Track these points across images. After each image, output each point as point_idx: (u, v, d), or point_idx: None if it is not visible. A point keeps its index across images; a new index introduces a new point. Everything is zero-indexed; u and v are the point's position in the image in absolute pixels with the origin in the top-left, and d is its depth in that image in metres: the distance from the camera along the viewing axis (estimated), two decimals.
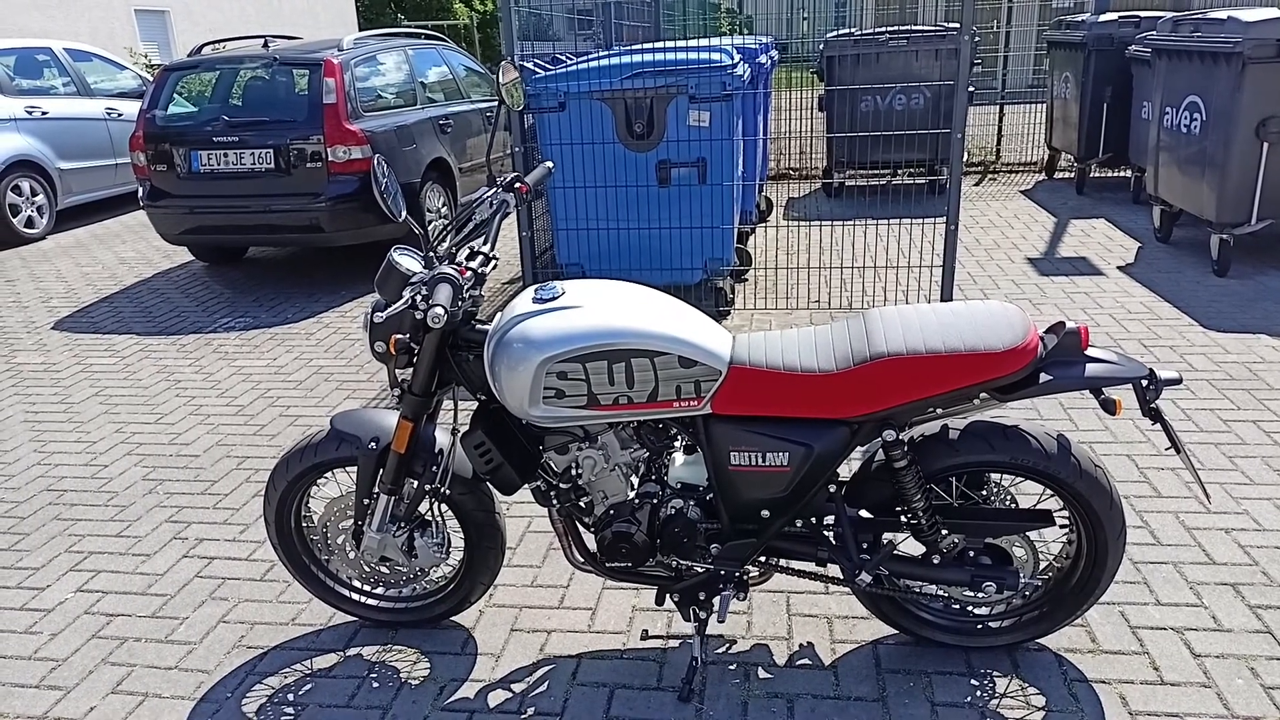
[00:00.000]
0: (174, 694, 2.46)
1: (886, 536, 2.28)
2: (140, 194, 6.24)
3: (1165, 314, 4.87)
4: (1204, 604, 2.55)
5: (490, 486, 2.45)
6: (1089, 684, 2.28)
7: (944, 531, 2.19)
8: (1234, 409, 3.70)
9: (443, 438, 2.40)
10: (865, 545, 2.23)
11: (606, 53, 4.97)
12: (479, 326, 2.25)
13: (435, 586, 2.63)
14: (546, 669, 2.47)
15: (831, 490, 2.20)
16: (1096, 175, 8.29)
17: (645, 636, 2.56)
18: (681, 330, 2.08)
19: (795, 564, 2.66)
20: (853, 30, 8.14)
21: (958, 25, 7.96)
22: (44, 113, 8.40)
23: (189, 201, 6.07)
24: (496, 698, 2.37)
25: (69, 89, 8.89)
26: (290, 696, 2.42)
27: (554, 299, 2.15)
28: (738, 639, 2.53)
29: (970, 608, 2.40)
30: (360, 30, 14.93)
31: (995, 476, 2.29)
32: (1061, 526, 2.27)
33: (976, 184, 8.72)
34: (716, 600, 2.30)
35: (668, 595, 2.35)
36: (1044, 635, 2.36)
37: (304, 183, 5.92)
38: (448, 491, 2.37)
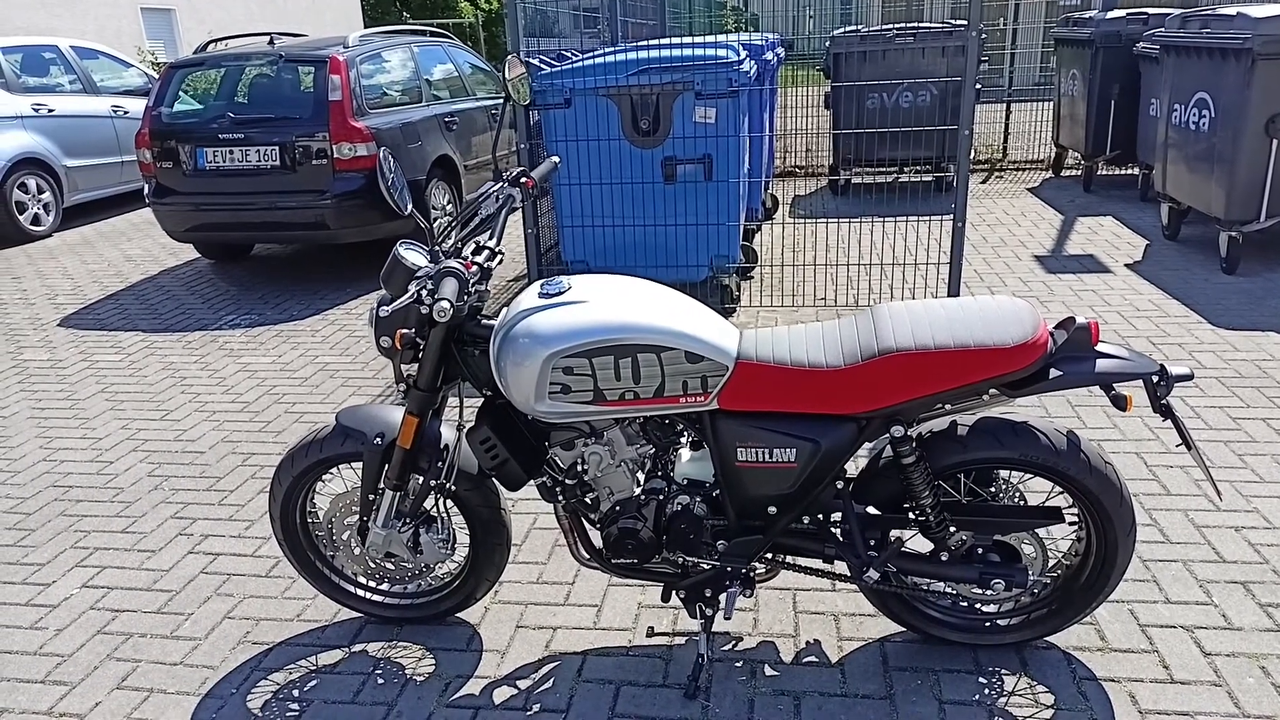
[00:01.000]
0: (179, 689, 2.45)
1: (894, 533, 2.26)
2: (146, 191, 6.24)
3: (1174, 311, 4.84)
4: (1214, 602, 2.53)
5: (496, 482, 2.45)
6: (1098, 682, 2.27)
7: (952, 528, 2.17)
8: (1244, 406, 3.68)
9: (448, 433, 2.39)
10: (873, 542, 2.22)
11: (612, 49, 4.96)
12: (485, 321, 2.24)
13: (440, 583, 2.62)
14: (552, 666, 2.46)
15: (839, 486, 2.18)
16: (1104, 173, 8.26)
17: (651, 633, 2.55)
18: (688, 325, 2.07)
19: (802, 561, 2.65)
20: (859, 27, 8.12)
21: (965, 22, 7.94)
22: (50, 110, 8.41)
23: (194, 199, 6.08)
24: (502, 694, 2.36)
25: (75, 86, 8.90)
26: (295, 693, 2.42)
27: (560, 294, 2.14)
28: (744, 636, 2.51)
29: (978, 605, 2.38)
30: (365, 28, 14.97)
31: (1003, 473, 2.27)
32: (1070, 524, 2.25)
33: (983, 181, 8.69)
34: (723, 597, 2.29)
35: (674, 592, 2.34)
36: (1053, 633, 2.35)
37: (309, 180, 5.92)
38: (453, 487, 2.36)
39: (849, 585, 2.69)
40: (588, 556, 2.40)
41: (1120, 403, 1.96)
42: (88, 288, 6.51)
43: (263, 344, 5.19)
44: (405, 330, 2.12)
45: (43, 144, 8.26)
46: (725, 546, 2.24)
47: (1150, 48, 6.91)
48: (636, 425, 2.24)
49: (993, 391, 2.04)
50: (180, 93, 6.25)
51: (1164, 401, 1.99)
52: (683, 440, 2.29)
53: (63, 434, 4.11)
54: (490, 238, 2.27)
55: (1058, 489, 2.21)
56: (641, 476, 2.31)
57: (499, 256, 2.24)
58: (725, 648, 2.48)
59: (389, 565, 2.56)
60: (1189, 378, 2.00)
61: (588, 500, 2.30)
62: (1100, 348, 2.02)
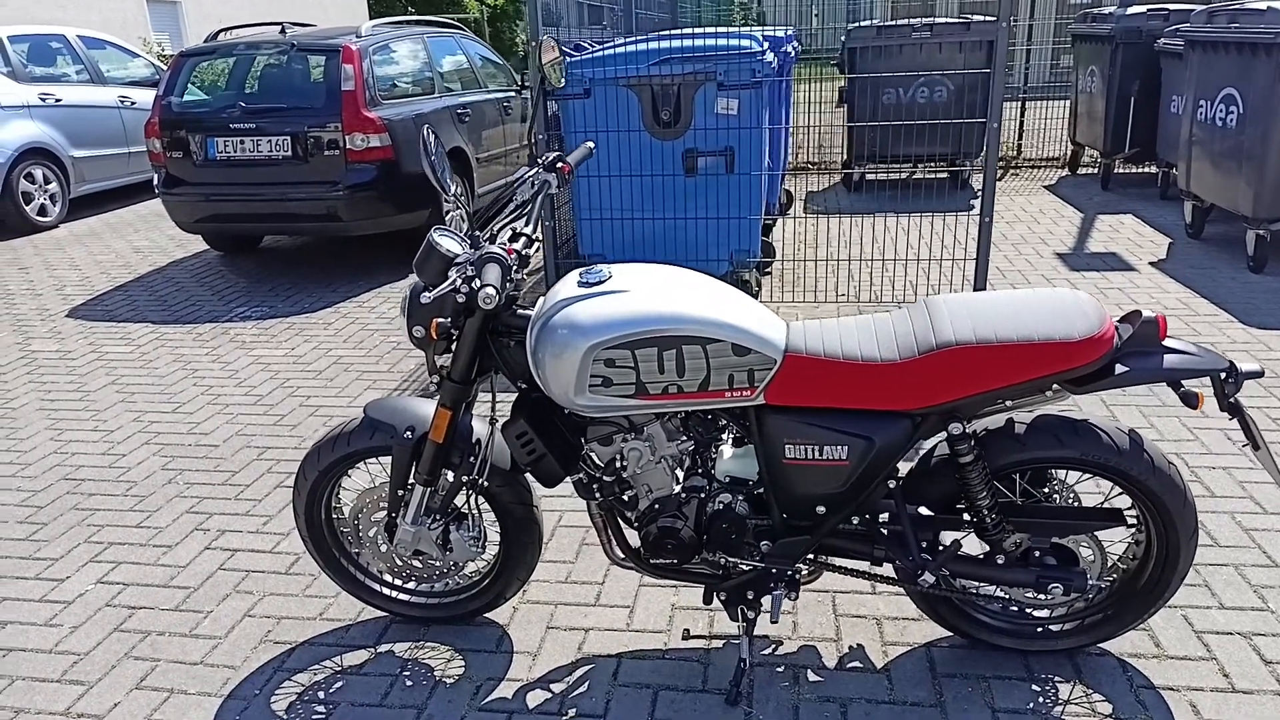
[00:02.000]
0: (200, 690, 2.37)
1: (948, 535, 2.18)
2: (155, 181, 6.15)
3: (1203, 310, 4.76)
4: (1269, 608, 2.45)
5: (528, 479, 2.37)
6: (1156, 690, 2.19)
7: (1009, 530, 2.09)
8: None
9: (480, 428, 2.31)
10: (924, 544, 2.13)
11: (632, 39, 4.87)
12: (520, 311, 2.15)
13: (469, 582, 2.54)
14: (586, 669, 2.38)
15: (890, 486, 2.10)
16: (1121, 171, 8.16)
17: (687, 636, 2.47)
18: (735, 317, 1.98)
19: (845, 563, 2.56)
20: (875, 21, 8.02)
21: (981, 16, 7.85)
22: (57, 100, 8.32)
23: (205, 189, 5.99)
24: (536, 698, 2.28)
25: (82, 76, 8.81)
26: (321, 694, 2.34)
27: (600, 283, 2.06)
28: (784, 640, 2.43)
29: (1030, 610, 2.30)
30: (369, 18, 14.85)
31: (1058, 474, 2.19)
32: (1129, 526, 2.17)
33: (1000, 178, 8.57)
34: (766, 600, 2.21)
35: (714, 594, 2.25)
36: (1108, 639, 2.26)
37: (321, 171, 5.83)
38: (486, 483, 2.28)
39: (890, 588, 2.61)
40: (622, 556, 2.32)
41: (1191, 400, 1.87)
42: (95, 279, 6.43)
43: (274, 336, 5.11)
44: (441, 319, 2.04)
45: (49, 134, 8.17)
46: (770, 547, 2.16)
47: (1173, 44, 6.82)
48: (677, 420, 2.16)
49: (1055, 387, 1.96)
50: (191, 82, 6.16)
51: (1232, 399, 1.91)
52: (724, 437, 2.20)
53: (73, 426, 4.02)
54: (526, 224, 2.19)
55: (1116, 490, 2.13)
56: (680, 474, 2.23)
57: (536, 243, 2.15)
58: (765, 652, 2.39)
59: (416, 563, 2.48)
60: (1260, 374, 1.91)
61: (626, 498, 2.22)
62: (1167, 342, 1.94)
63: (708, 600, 2.25)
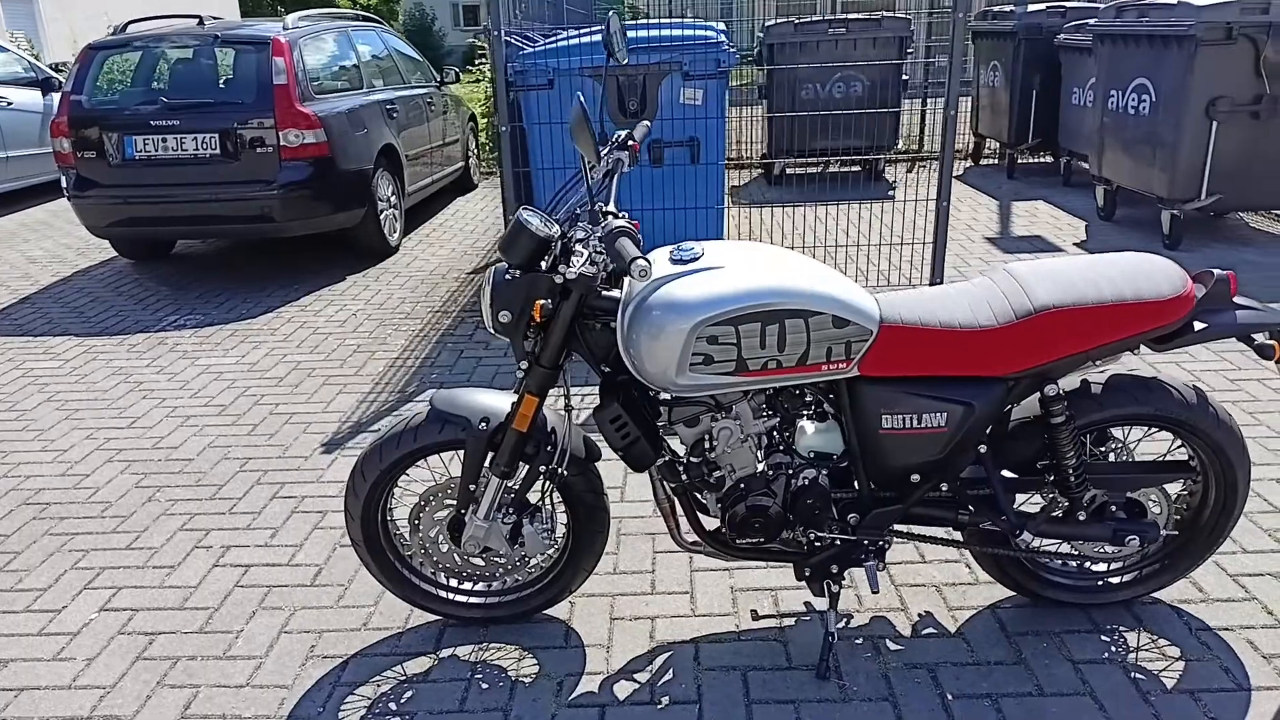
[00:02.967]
0: (256, 714, 2.21)
1: (1039, 496, 2.24)
2: (64, 184, 5.70)
3: None
4: None
5: (596, 466, 2.31)
6: (1213, 632, 2.31)
7: (1088, 487, 2.17)
8: (1236, 370, 3.87)
9: (553, 416, 2.24)
10: (1001, 506, 2.19)
11: (597, 28, 4.82)
12: (605, 293, 2.09)
13: (532, 577, 2.45)
14: (665, 656, 2.33)
15: (980, 450, 2.14)
16: (1025, 161, 8.61)
17: (756, 617, 2.46)
18: (834, 288, 1.99)
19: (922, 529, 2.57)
20: (793, 18, 8.21)
21: (889, 14, 8.14)
22: None
23: (122, 191, 5.59)
24: (624, 689, 2.23)
25: None
26: (392, 705, 2.21)
27: (695, 259, 2.03)
28: (854, 614, 2.45)
29: (1090, 564, 2.39)
30: (241, 17, 14.20)
31: (1117, 431, 2.29)
32: (1194, 476, 2.27)
33: (909, 170, 8.93)
34: (861, 572, 2.22)
35: (803, 570, 2.25)
36: (1164, 588, 2.38)
37: (253, 169, 5.53)
38: (565, 473, 2.21)
39: (941, 555, 2.67)
40: (692, 541, 2.29)
41: (1267, 352, 1.99)
42: None
43: (219, 345, 4.81)
44: (544, 301, 1.97)
45: None
46: (858, 519, 2.17)
47: (1073, 39, 7.24)
48: (762, 397, 2.15)
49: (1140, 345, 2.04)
50: (103, 77, 5.73)
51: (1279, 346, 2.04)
52: (808, 412, 2.20)
53: (19, 449, 3.68)
54: (608, 203, 2.13)
55: (1177, 443, 2.24)
56: (760, 453, 2.22)
57: (622, 218, 2.09)
58: (839, 626, 2.41)
59: (478, 561, 2.38)
60: None
61: (712, 479, 2.19)
62: (1237, 299, 2.05)
63: (800, 576, 2.24)
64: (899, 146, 8.74)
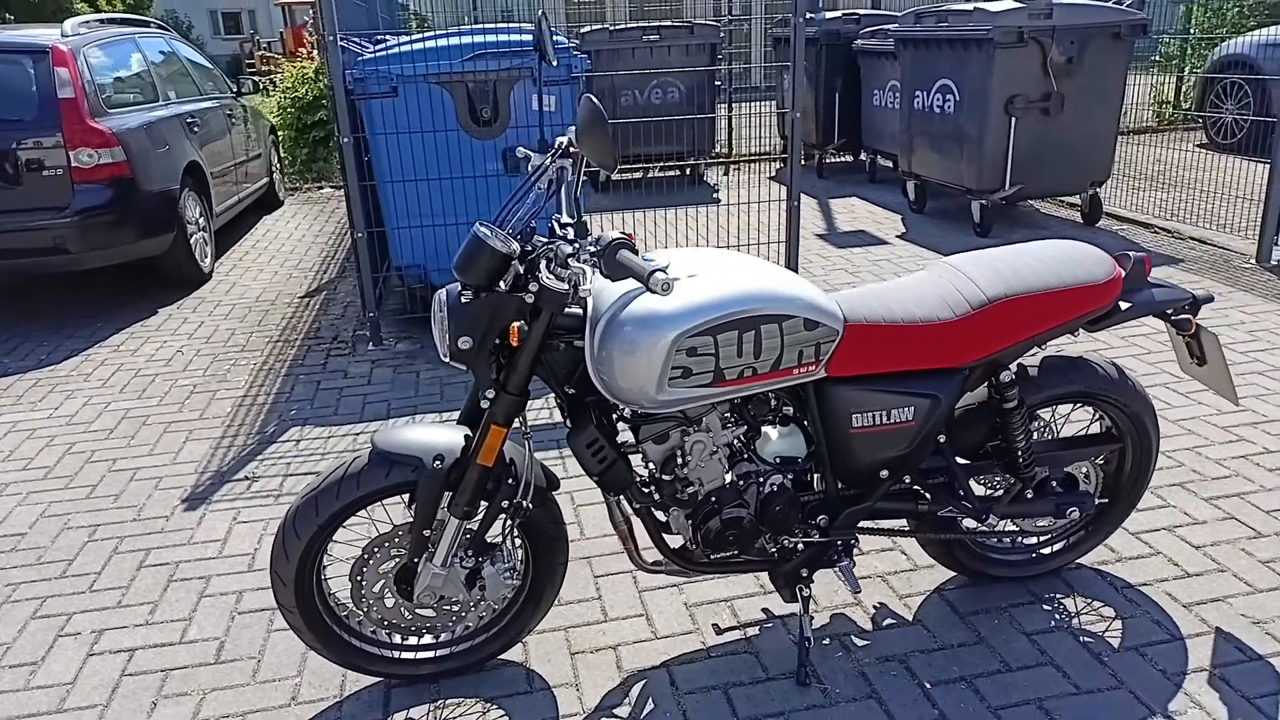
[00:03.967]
0: None
1: (1000, 479, 2.32)
2: None
3: None
4: (1169, 503, 2.88)
5: (554, 495, 2.18)
6: (1136, 589, 2.49)
7: (1034, 466, 2.27)
8: (1071, 340, 4.23)
9: (509, 447, 2.08)
10: (962, 492, 2.25)
11: (440, 33, 4.58)
12: (569, 311, 1.96)
13: (483, 622, 2.27)
14: (639, 686, 2.23)
15: (940, 440, 2.18)
16: (832, 160, 9.07)
17: (719, 630, 2.40)
18: (803, 290, 1.96)
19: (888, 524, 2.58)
20: (608, 25, 8.24)
21: (701, 20, 8.34)
22: None
23: None
24: None
25: None
26: None
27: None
28: (812, 616, 2.44)
29: (1024, 539, 2.51)
30: None
31: (1044, 412, 2.41)
32: (1118, 444, 2.42)
33: (725, 173, 9.19)
34: (837, 572, 2.21)
35: (779, 578, 2.21)
36: (1087, 553, 2.54)
37: (40, 195, 4.86)
38: (529, 507, 2.05)
39: (877, 545, 2.72)
40: (654, 560, 2.20)
41: (1185, 325, 2.15)
42: None
43: (21, 397, 4.19)
44: (520, 324, 1.81)
45: None
46: (827, 520, 2.16)
47: (870, 44, 7.71)
48: (728, 407, 2.09)
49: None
50: None
51: (1195, 321, 2.23)
52: (773, 418, 2.17)
53: None
54: (566, 214, 2.00)
55: (1098, 416, 2.39)
56: (726, 463, 2.16)
57: (584, 227, 1.94)
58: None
59: (426, 612, 2.17)
60: (1211, 299, 2.25)
61: (685, 496, 2.10)
62: (1150, 279, 2.21)
63: (778, 585, 2.20)
64: (716, 150, 8.98)
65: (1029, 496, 2.28)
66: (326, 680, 2.29)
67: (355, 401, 3.99)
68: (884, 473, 2.13)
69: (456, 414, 3.75)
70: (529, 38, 4.45)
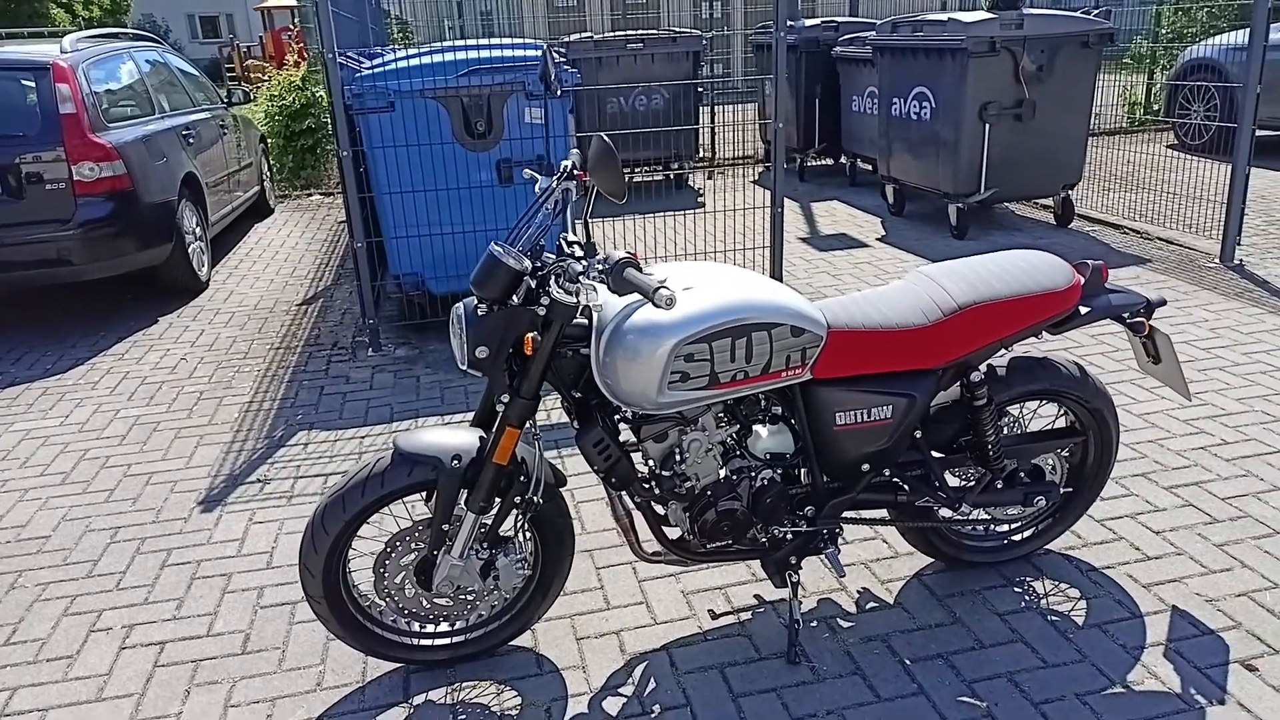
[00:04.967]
0: None
1: (965, 471, 2.51)
2: None
3: None
4: (1132, 492, 3.08)
5: (561, 491, 2.35)
6: (1100, 571, 2.68)
7: (1003, 458, 2.46)
8: (1038, 340, 4.43)
9: (520, 446, 2.24)
10: (937, 483, 2.44)
11: (434, 48, 4.73)
12: (576, 321, 2.13)
13: (496, 610, 2.43)
14: (642, 667, 2.40)
15: (916, 436, 2.37)
16: (812, 164, 9.27)
17: (715, 615, 2.58)
18: (789, 299, 2.14)
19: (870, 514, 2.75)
20: (592, 35, 8.41)
21: (686, 29, 8.53)
22: None
23: None
24: (613, 705, 2.27)
25: None
26: None
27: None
28: (801, 600, 2.63)
29: (996, 527, 2.70)
30: None
31: (1013, 409, 2.60)
32: (1081, 437, 2.61)
33: (709, 177, 9.38)
34: (824, 559, 2.39)
35: (771, 565, 2.39)
36: (1055, 539, 2.73)
37: (43, 208, 4.99)
38: (540, 502, 2.22)
39: (862, 535, 2.90)
40: (653, 551, 2.38)
41: (1140, 328, 2.35)
42: None
43: (32, 405, 4.32)
44: (535, 334, 1.98)
45: None
46: (814, 511, 2.34)
47: (848, 51, 7.92)
48: (721, 407, 2.27)
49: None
50: None
51: (1148, 323, 2.42)
52: (763, 416, 2.35)
53: None
54: (571, 233, 2.17)
55: (1062, 411, 2.58)
56: (720, 459, 2.34)
57: (592, 246, 2.13)
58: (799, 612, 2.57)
59: (443, 601, 2.33)
60: (1164, 303, 2.45)
61: (683, 490, 2.28)
62: (1107, 285, 2.40)
63: (770, 573, 2.38)
64: (699, 155, 9.17)
65: (999, 487, 2.47)
66: (348, 667, 2.45)
67: (359, 406, 4.14)
68: (865, 466, 2.31)
69: (458, 415, 3.93)
70: (520, 54, 4.62)
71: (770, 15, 4.92)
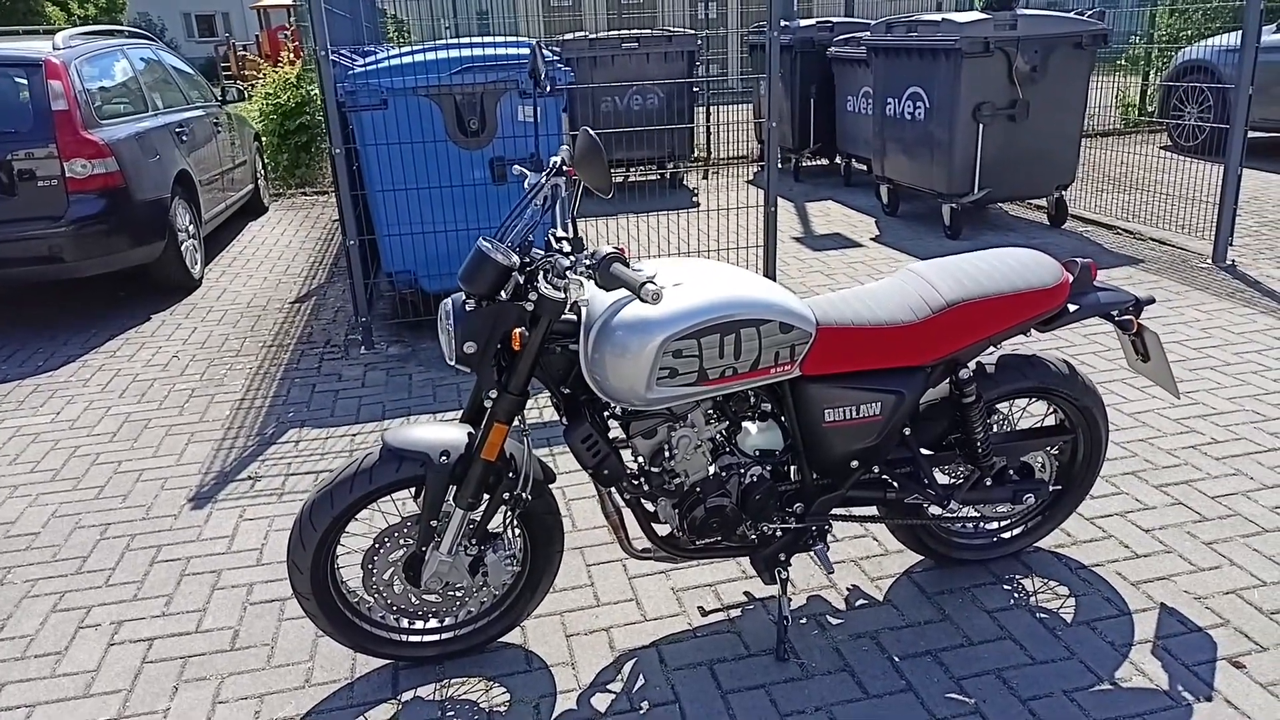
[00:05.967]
0: None
1: (956, 468, 2.51)
2: None
3: None
4: (1122, 490, 3.09)
5: (549, 488, 2.34)
6: (1089, 569, 2.69)
7: (993, 455, 2.46)
8: (1030, 339, 4.44)
9: (510, 442, 2.24)
10: (926, 480, 2.44)
11: (426, 46, 4.73)
12: (565, 316, 2.13)
13: (485, 606, 2.43)
14: (631, 664, 2.40)
15: (906, 433, 2.37)
16: (807, 164, 9.29)
17: (704, 612, 2.58)
18: (777, 296, 2.14)
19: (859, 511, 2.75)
20: (586, 34, 8.41)
21: (681, 30, 8.54)
22: None
23: None
24: (602, 702, 2.27)
25: None
26: None
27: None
28: (790, 598, 2.63)
29: (985, 524, 2.71)
30: None
31: (1002, 406, 2.60)
32: (1070, 435, 2.62)
33: (705, 176, 9.39)
34: (812, 555, 2.39)
35: (759, 562, 2.39)
36: (1044, 537, 2.73)
37: (35, 205, 4.98)
38: (529, 498, 2.22)
39: (852, 532, 2.90)
40: (643, 548, 2.38)
41: (1128, 325, 2.35)
42: None
43: (23, 403, 4.30)
44: (522, 330, 1.98)
45: None
46: (803, 508, 2.34)
47: (843, 52, 7.93)
48: (711, 404, 2.27)
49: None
50: None
51: (1137, 321, 2.43)
52: (752, 413, 2.35)
53: None
54: (561, 229, 2.17)
55: (1051, 409, 2.58)
56: (710, 456, 2.34)
57: (580, 242, 2.12)
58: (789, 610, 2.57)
59: (432, 598, 2.33)
60: (1153, 301, 2.45)
61: (671, 486, 2.28)
62: (1095, 283, 2.41)
63: (759, 569, 2.38)
64: (694, 155, 9.17)
65: (988, 484, 2.48)
66: (337, 664, 2.45)
67: (351, 403, 4.13)
68: (854, 463, 2.31)
69: (451, 413, 3.92)
70: (514, 51, 4.62)
71: (765, 15, 4.94)
